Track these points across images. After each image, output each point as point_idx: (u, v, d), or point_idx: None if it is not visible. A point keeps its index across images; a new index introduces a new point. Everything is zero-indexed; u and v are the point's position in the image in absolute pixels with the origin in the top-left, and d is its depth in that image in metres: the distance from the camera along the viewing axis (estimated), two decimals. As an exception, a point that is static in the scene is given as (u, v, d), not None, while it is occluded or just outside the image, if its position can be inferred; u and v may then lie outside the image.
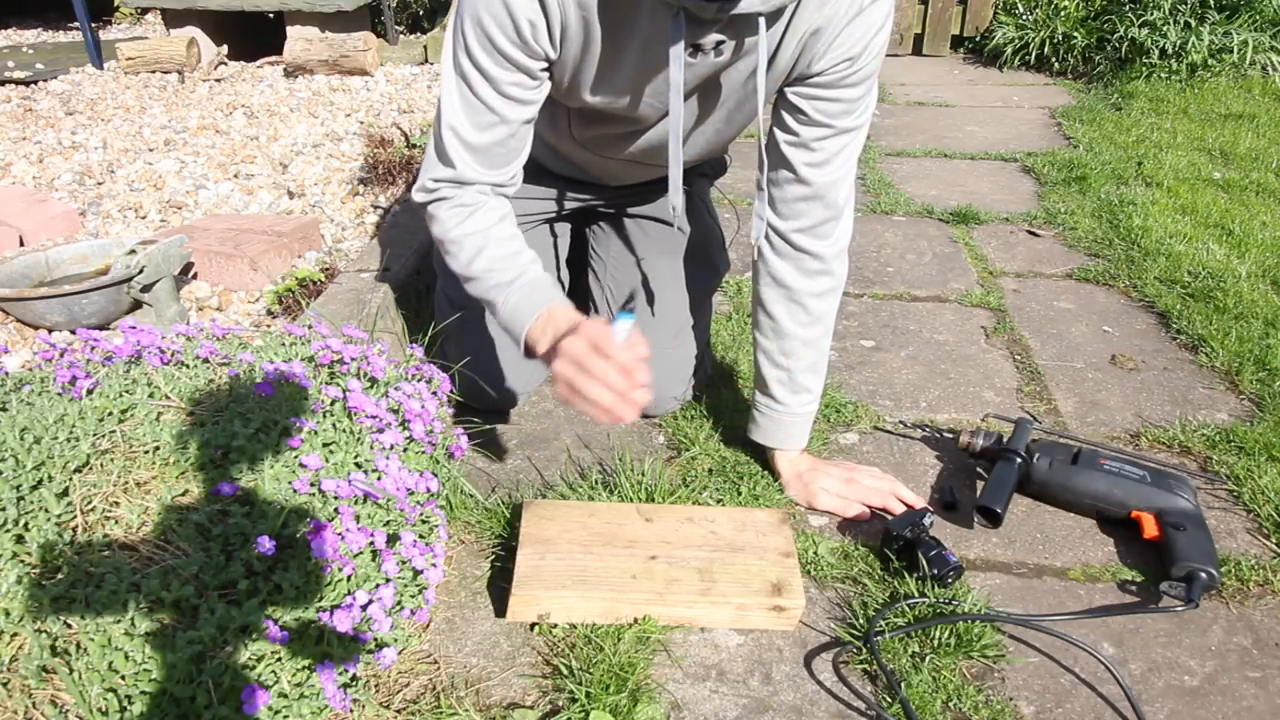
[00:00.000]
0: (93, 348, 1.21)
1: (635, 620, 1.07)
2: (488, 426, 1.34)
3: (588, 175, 1.41)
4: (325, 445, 1.08)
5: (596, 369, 0.92)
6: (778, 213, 1.19)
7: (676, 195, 1.13)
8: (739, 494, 1.31)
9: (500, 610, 1.09)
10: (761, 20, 0.97)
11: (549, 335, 1.02)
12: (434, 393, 1.29)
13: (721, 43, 1.01)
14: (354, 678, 0.95)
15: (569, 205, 1.50)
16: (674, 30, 0.97)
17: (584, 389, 0.92)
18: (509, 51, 1.01)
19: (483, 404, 1.46)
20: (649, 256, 1.48)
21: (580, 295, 1.57)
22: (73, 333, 1.65)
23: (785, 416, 1.30)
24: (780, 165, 1.15)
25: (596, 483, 1.31)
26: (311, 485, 1.01)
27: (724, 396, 1.55)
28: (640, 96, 1.11)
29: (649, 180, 1.44)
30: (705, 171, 1.53)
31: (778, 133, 1.14)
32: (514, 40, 1.00)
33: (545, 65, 1.06)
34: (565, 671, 1.01)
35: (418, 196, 1.14)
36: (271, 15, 4.43)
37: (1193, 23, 3.76)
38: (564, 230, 1.57)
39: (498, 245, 1.09)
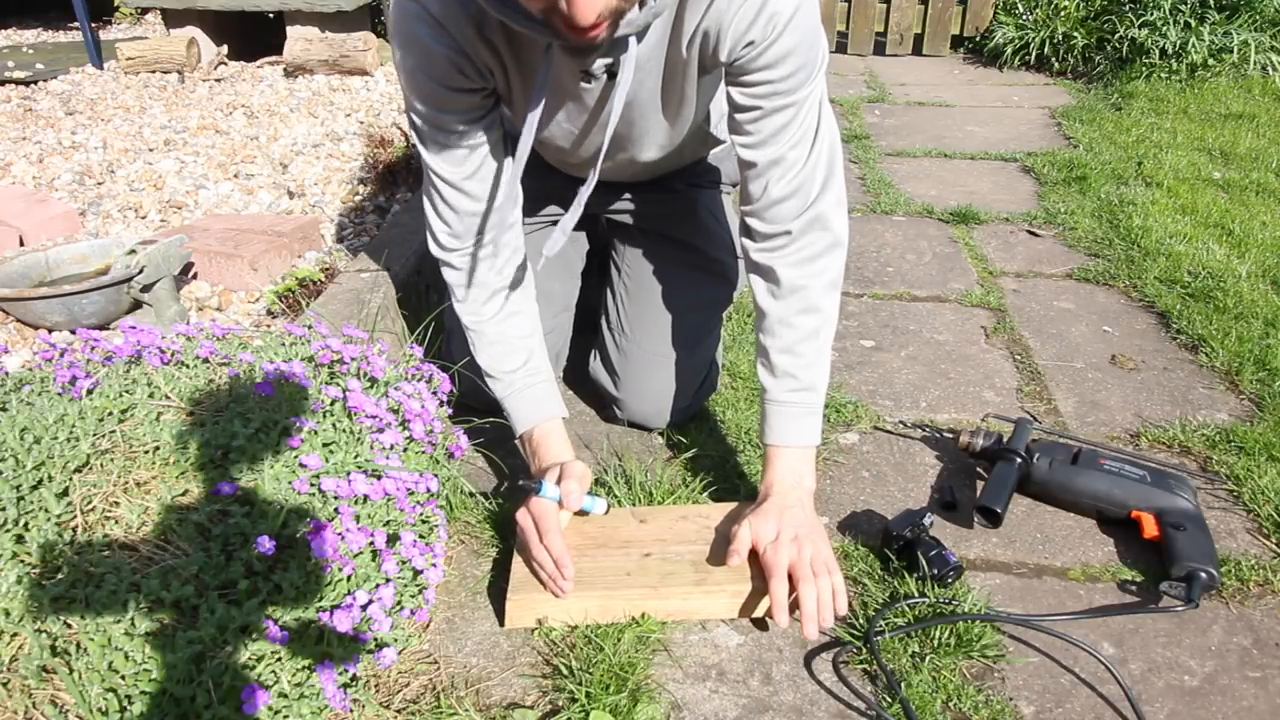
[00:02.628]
0: (93, 348, 1.21)
1: (634, 619, 1.07)
2: (488, 426, 1.34)
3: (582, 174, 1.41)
4: (325, 445, 1.08)
5: (535, 550, 1.08)
6: (741, 199, 1.18)
7: (559, 239, 1.11)
8: (739, 494, 1.31)
9: (500, 619, 1.09)
10: (631, 39, 0.98)
11: (532, 462, 1.22)
12: (434, 393, 1.29)
13: (610, 64, 1.05)
14: (354, 678, 0.95)
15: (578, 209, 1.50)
16: (543, 68, 1.02)
17: (530, 557, 1.10)
18: (444, 96, 1.08)
19: (483, 403, 1.46)
20: (656, 267, 1.48)
21: (595, 300, 1.58)
22: (73, 333, 1.65)
23: (768, 406, 1.18)
24: (733, 150, 1.16)
25: (596, 483, 1.31)
26: (311, 485, 1.01)
27: (723, 396, 1.55)
28: (558, 125, 1.18)
29: (654, 181, 1.44)
30: (703, 183, 1.52)
31: (727, 127, 1.16)
32: (444, 82, 1.07)
33: (486, 90, 1.11)
34: (565, 671, 1.01)
35: (434, 251, 1.24)
36: (271, 15, 4.43)
37: (1193, 23, 3.75)
38: (579, 238, 1.57)
39: (499, 344, 1.24)
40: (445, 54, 1.05)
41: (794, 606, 1.02)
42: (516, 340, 1.24)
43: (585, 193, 1.09)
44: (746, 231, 1.18)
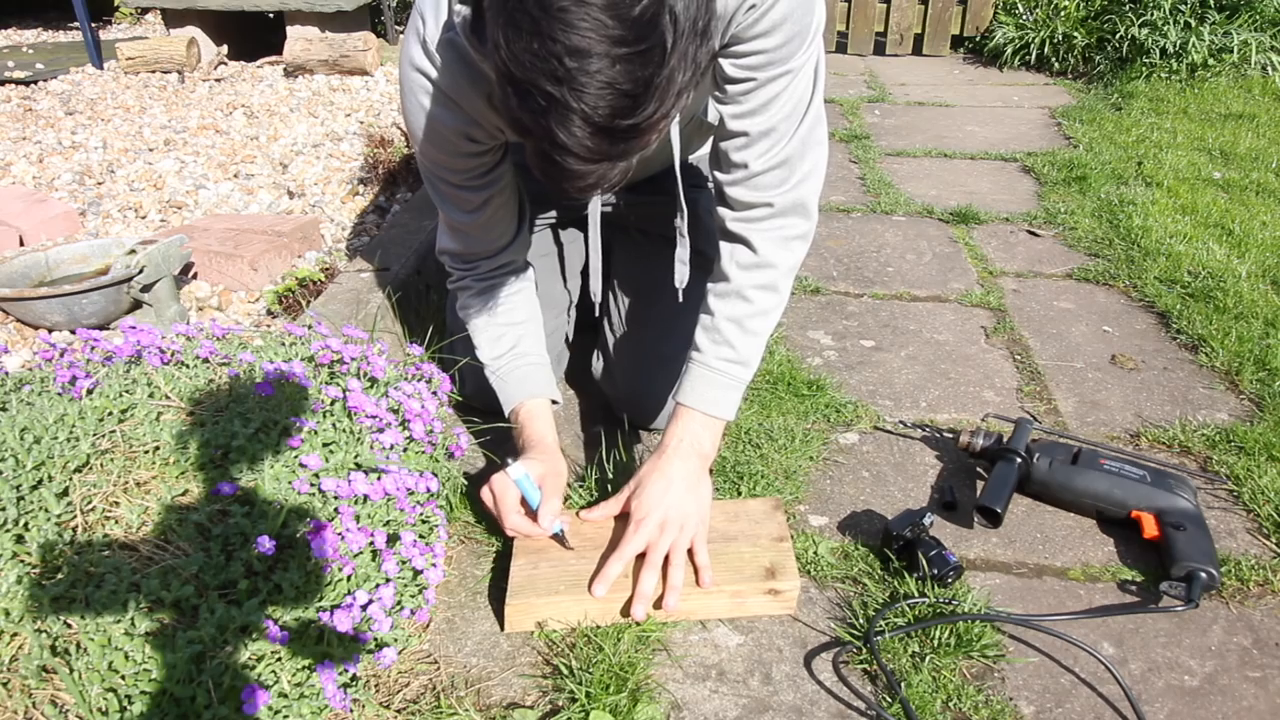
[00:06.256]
0: (93, 348, 1.21)
1: (634, 619, 1.07)
2: (488, 426, 1.34)
3: None
4: (325, 445, 1.08)
5: (504, 528, 1.14)
6: (722, 170, 1.14)
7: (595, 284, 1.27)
8: (739, 494, 1.31)
9: (500, 623, 1.09)
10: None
11: (518, 441, 1.24)
12: (434, 392, 1.29)
13: None
14: (354, 678, 0.95)
15: (576, 211, 1.50)
16: None
17: (501, 526, 1.14)
18: (453, 160, 1.11)
19: (484, 404, 1.46)
20: (656, 267, 1.47)
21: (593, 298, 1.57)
22: (73, 333, 1.65)
23: (696, 367, 1.17)
24: (716, 128, 1.12)
25: (595, 484, 1.31)
26: (311, 485, 1.01)
27: (724, 396, 1.55)
28: None
29: (650, 179, 1.43)
30: (700, 184, 1.52)
31: (710, 100, 1.14)
32: (454, 151, 1.09)
33: (496, 145, 1.12)
34: (565, 671, 1.01)
35: (441, 258, 1.30)
36: (271, 15, 4.43)
37: (1193, 23, 3.75)
38: (576, 237, 1.57)
39: (488, 331, 1.28)
40: (455, 127, 1.05)
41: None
42: (505, 326, 1.27)
43: (596, 213, 1.19)
44: (723, 200, 1.15)
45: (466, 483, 1.30)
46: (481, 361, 1.27)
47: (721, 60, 1.04)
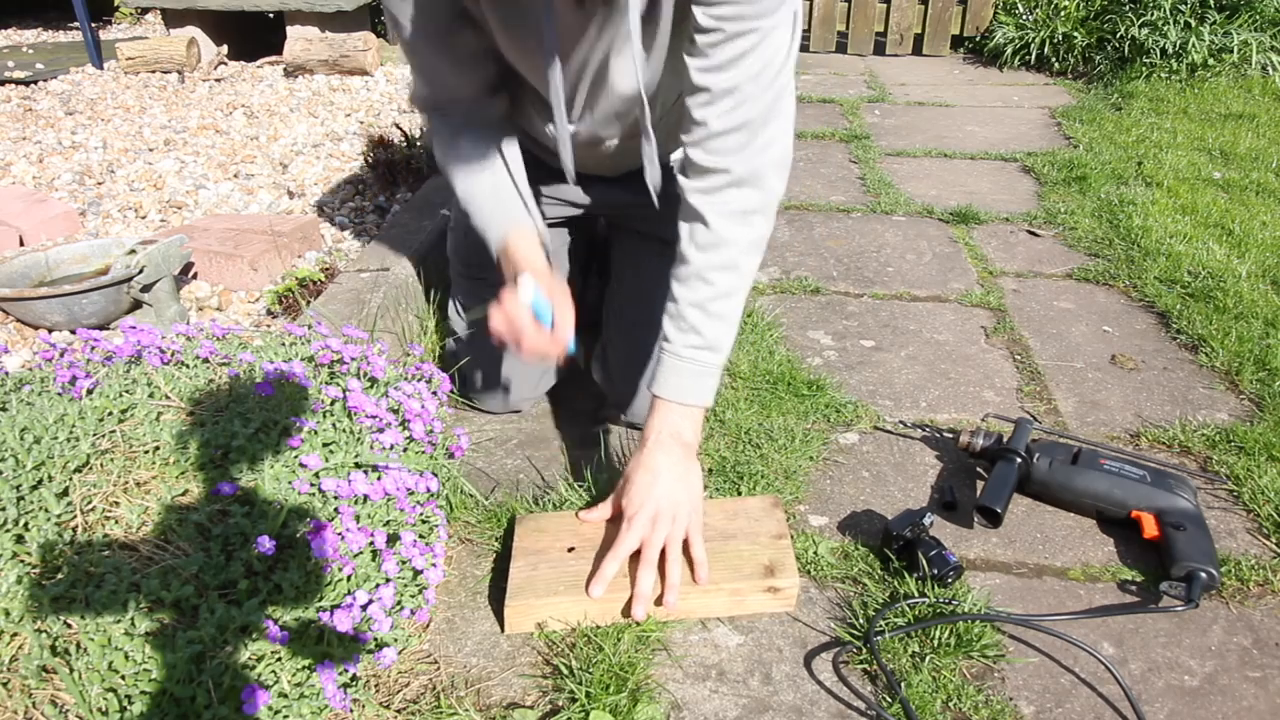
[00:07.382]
0: (93, 348, 1.21)
1: (634, 619, 1.07)
2: (488, 426, 1.34)
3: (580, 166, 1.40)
4: (325, 445, 1.08)
5: (523, 354, 1.10)
6: (684, 129, 1.12)
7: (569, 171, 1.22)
8: (738, 494, 1.31)
9: (500, 623, 1.09)
10: None
11: (505, 269, 1.19)
12: (434, 392, 1.29)
13: None
14: (354, 678, 0.95)
15: (574, 211, 1.50)
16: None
17: (517, 353, 1.10)
18: (426, 4, 1.07)
19: (486, 406, 1.46)
20: (656, 269, 1.47)
21: (596, 300, 1.57)
22: (73, 333, 1.65)
23: (666, 356, 1.15)
24: (687, 82, 1.10)
25: (595, 484, 1.31)
26: (311, 485, 1.01)
27: (723, 396, 1.55)
28: (544, 55, 1.12)
29: (638, 172, 1.43)
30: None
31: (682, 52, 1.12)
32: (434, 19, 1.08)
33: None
34: (565, 671, 1.01)
35: (414, 105, 1.28)
36: (271, 15, 4.43)
37: (1193, 23, 3.75)
38: (560, 235, 1.57)
39: (468, 164, 1.24)
40: None
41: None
42: (482, 168, 1.23)
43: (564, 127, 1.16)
44: (685, 166, 1.13)
45: (467, 483, 1.30)
46: (463, 209, 1.24)
47: (694, 7, 1.03)
